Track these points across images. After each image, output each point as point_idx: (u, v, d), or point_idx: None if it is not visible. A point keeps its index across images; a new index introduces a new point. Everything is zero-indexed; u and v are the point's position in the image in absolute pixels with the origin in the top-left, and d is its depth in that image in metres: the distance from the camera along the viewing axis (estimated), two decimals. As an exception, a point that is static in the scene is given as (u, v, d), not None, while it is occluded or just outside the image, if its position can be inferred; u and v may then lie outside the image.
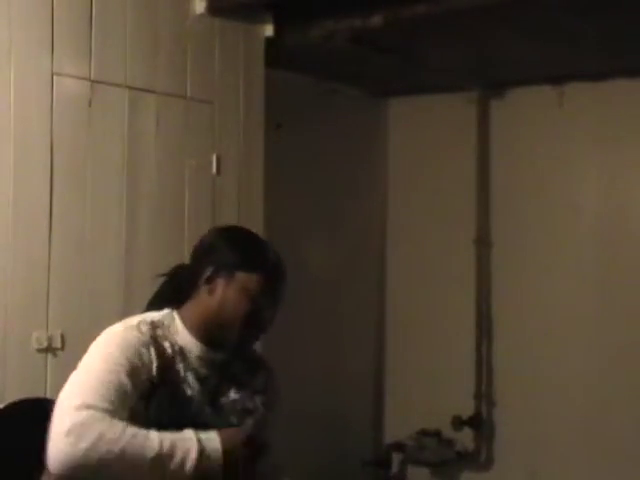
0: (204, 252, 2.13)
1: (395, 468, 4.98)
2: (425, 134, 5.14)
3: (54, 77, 3.11)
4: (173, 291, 2.14)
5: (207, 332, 2.07)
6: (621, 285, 4.55)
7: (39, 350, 3.02)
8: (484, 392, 4.90)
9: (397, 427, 5.08)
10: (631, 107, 4.49)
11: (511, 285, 4.86)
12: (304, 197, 4.66)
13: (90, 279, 3.22)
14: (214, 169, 3.66)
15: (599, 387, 4.55)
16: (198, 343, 2.07)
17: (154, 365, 1.99)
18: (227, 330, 2.07)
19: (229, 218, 3.72)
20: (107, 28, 3.28)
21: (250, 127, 3.83)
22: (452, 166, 5.03)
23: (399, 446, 4.95)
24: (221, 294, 2.06)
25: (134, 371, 1.94)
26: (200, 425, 1.96)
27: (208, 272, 2.06)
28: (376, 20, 3.60)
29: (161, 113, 3.47)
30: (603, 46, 3.98)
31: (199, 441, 1.88)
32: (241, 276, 2.05)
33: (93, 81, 3.23)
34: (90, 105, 3.23)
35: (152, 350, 2.00)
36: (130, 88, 3.36)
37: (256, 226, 3.82)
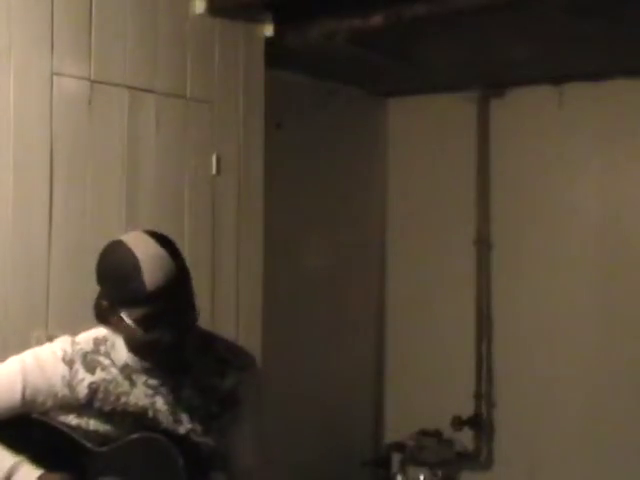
0: (98, 283, 2.05)
1: (395, 468, 4.97)
2: (425, 134, 5.14)
3: (54, 77, 3.11)
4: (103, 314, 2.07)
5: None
6: (621, 285, 4.55)
7: (39, 350, 3.02)
8: (484, 392, 4.90)
9: (397, 427, 5.08)
10: (631, 107, 4.49)
11: (511, 285, 4.86)
12: (304, 197, 4.66)
13: (90, 279, 3.20)
14: (214, 169, 3.66)
15: (599, 387, 4.55)
16: (137, 358, 2.05)
17: (84, 382, 2.04)
18: (148, 359, 2.03)
19: (229, 218, 3.72)
20: (107, 28, 3.27)
21: (250, 127, 3.83)
22: (452, 166, 5.03)
23: (399, 446, 4.95)
24: (121, 328, 2.00)
25: (37, 388, 2.03)
26: (161, 433, 2.00)
27: (104, 306, 2.01)
28: (376, 20, 3.60)
29: (161, 113, 3.47)
30: (603, 46, 3.98)
31: (13, 468, 1.94)
32: (127, 312, 1.94)
33: (93, 81, 3.23)
34: (90, 105, 3.23)
35: (81, 368, 2.05)
36: (130, 88, 3.36)
37: (256, 226, 3.83)
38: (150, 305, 1.90)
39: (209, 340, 2.14)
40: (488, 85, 4.86)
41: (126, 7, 3.34)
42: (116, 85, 3.31)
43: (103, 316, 2.03)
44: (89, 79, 3.22)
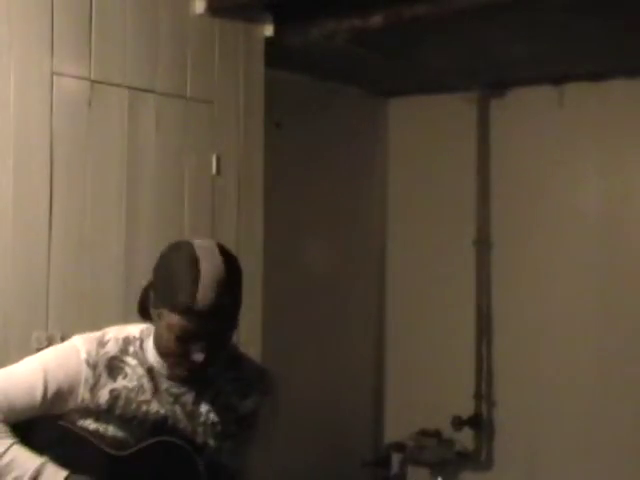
0: (153, 272, 1.98)
1: (395, 468, 4.97)
2: (425, 134, 5.14)
3: (54, 77, 3.11)
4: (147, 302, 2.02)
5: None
6: (621, 285, 4.55)
7: (39, 350, 3.01)
8: (484, 392, 4.90)
9: (397, 427, 5.08)
10: (631, 107, 4.49)
11: (511, 285, 4.86)
12: (304, 197, 4.66)
13: (90, 279, 3.22)
14: (214, 169, 3.66)
15: (599, 387, 4.55)
16: (163, 363, 2.00)
17: (107, 387, 1.99)
18: (166, 361, 1.99)
19: (229, 218, 3.72)
20: (107, 28, 3.28)
21: (250, 127, 3.83)
22: (452, 166, 5.03)
23: (399, 446, 4.95)
24: (157, 326, 1.96)
25: (58, 389, 1.97)
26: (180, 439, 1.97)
27: (150, 297, 1.96)
28: (376, 20, 3.60)
29: (161, 113, 3.47)
30: (603, 46, 3.98)
31: (39, 470, 1.91)
32: (166, 314, 1.90)
33: (93, 81, 3.23)
34: (90, 105, 3.23)
35: (104, 373, 2.00)
36: (130, 88, 3.36)
37: (256, 226, 3.83)
38: (190, 320, 1.86)
39: (236, 358, 2.11)
40: (488, 85, 4.86)
41: (126, 7, 3.34)
42: (116, 85, 3.32)
43: (145, 306, 1.99)
44: (89, 79, 3.22)
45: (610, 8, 3.43)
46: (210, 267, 1.88)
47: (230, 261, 1.94)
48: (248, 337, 3.68)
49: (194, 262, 1.88)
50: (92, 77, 3.23)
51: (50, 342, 3.03)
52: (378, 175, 5.26)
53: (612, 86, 4.50)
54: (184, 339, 1.89)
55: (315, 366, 4.66)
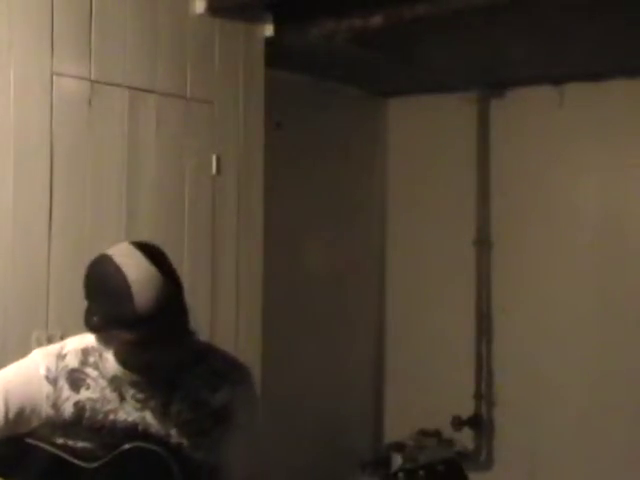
0: (84, 293, 1.95)
1: (395, 468, 4.96)
2: (425, 134, 5.14)
3: (54, 77, 3.11)
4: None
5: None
6: (621, 285, 4.55)
7: (39, 350, 3.02)
8: (484, 392, 4.90)
9: (397, 427, 5.08)
10: (631, 107, 4.49)
11: (511, 285, 4.86)
12: (304, 197, 4.66)
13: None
14: (214, 169, 3.66)
15: (599, 387, 4.55)
16: (126, 371, 1.98)
17: (70, 401, 1.98)
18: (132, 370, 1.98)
19: (229, 218, 3.72)
20: (107, 28, 3.28)
21: (250, 127, 3.83)
22: (452, 166, 5.03)
23: (399, 446, 4.95)
24: (112, 344, 1.93)
25: (20, 408, 1.96)
26: (153, 443, 1.96)
27: (95, 322, 1.90)
28: (376, 20, 3.60)
29: (161, 113, 3.47)
30: (603, 46, 3.98)
31: None
32: (116, 332, 1.87)
33: (93, 81, 3.23)
34: (90, 105, 3.23)
35: (65, 386, 1.98)
36: (130, 88, 3.36)
37: (256, 226, 3.83)
38: (141, 328, 1.83)
39: (204, 352, 2.08)
40: (488, 85, 4.86)
41: (126, 7, 3.34)
42: (116, 85, 3.31)
43: (93, 330, 1.95)
44: (89, 79, 3.22)
45: (610, 8, 3.42)
46: (136, 269, 1.84)
47: (150, 252, 1.90)
48: (248, 336, 3.69)
49: (118, 274, 1.84)
50: (92, 77, 3.23)
51: (50, 342, 3.03)
52: (378, 175, 5.26)
53: (612, 86, 4.50)
54: (146, 346, 1.87)
55: (315, 366, 4.66)
